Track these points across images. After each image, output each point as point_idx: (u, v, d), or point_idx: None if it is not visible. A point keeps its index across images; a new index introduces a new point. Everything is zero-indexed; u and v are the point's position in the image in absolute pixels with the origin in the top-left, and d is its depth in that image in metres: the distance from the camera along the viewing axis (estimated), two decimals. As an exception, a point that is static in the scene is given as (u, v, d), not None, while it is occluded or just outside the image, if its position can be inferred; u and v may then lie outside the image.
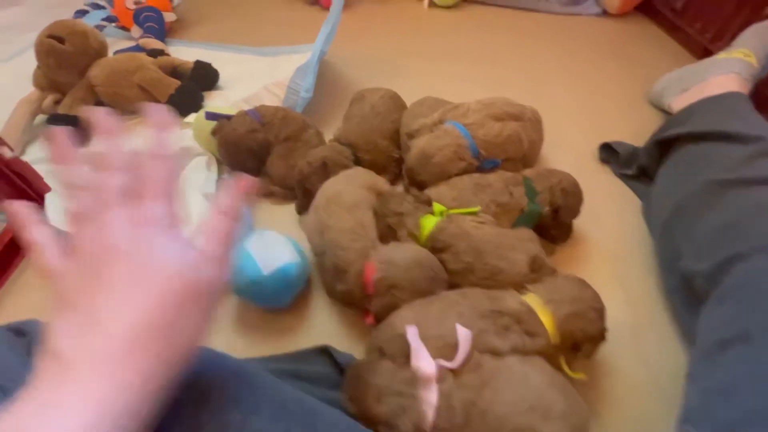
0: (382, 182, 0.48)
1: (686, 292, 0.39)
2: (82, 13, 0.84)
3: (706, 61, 0.64)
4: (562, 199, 0.44)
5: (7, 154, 0.47)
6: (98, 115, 0.23)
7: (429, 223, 0.41)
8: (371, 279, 0.37)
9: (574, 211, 0.46)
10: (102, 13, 0.86)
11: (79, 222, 0.20)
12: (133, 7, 0.84)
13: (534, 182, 0.45)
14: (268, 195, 0.55)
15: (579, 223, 0.49)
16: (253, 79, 0.75)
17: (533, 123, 0.52)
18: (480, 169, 0.48)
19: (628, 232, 0.51)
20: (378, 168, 0.54)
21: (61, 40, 0.60)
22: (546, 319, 0.34)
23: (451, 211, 0.42)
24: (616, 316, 0.38)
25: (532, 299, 0.35)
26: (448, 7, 1.01)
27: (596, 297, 0.36)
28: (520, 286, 0.37)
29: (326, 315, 0.45)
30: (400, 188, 0.55)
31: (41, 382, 0.16)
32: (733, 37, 0.74)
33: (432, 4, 1.02)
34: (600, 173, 0.59)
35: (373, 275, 0.37)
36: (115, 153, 0.22)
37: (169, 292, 0.18)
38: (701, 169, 0.44)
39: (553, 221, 0.46)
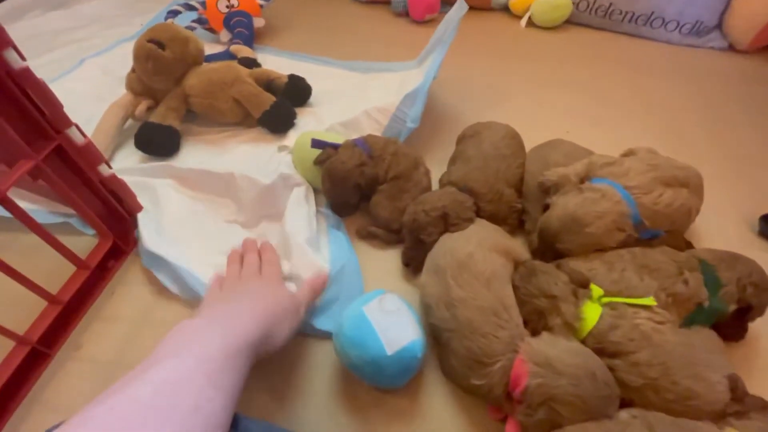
0: (518, 247, 0.40)
1: None
2: (174, 13, 0.82)
3: None
4: (754, 296, 0.35)
5: (106, 172, 0.43)
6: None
7: (593, 314, 0.33)
8: (522, 383, 0.30)
9: (764, 311, 0.37)
10: (193, 14, 0.84)
11: (228, 278, 0.40)
12: (225, 10, 0.82)
13: (717, 270, 0.36)
14: (370, 237, 0.49)
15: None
16: (344, 96, 0.69)
17: (697, 188, 0.43)
18: (638, 241, 0.40)
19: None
20: (498, 219, 0.46)
21: (161, 45, 0.57)
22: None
23: (618, 300, 0.34)
24: None
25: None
26: (549, 29, 0.93)
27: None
28: (718, 417, 0.29)
29: (443, 400, 0.38)
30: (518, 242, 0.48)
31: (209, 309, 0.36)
32: None
33: (530, 24, 0.94)
34: (762, 251, 0.49)
35: (526, 379, 0.30)
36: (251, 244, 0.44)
37: (273, 310, 0.33)
38: None
39: (733, 319, 0.37)
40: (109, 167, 0.44)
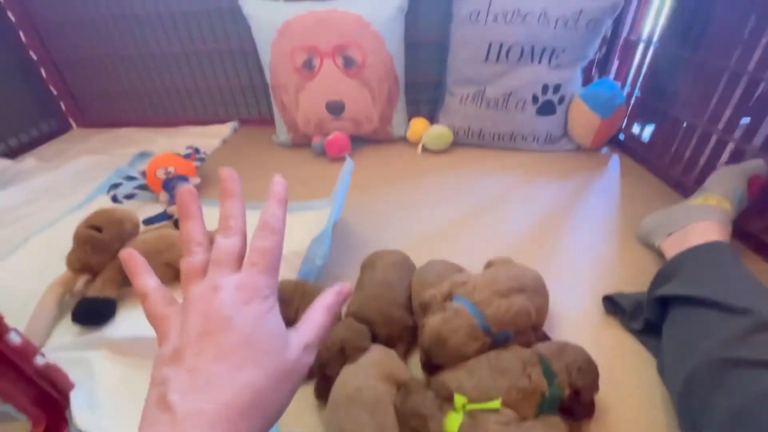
0: (401, 369, 0.49)
1: None
2: (116, 185, 0.94)
3: (686, 207, 0.71)
4: (580, 379, 0.45)
5: (40, 362, 0.49)
6: (223, 174, 0.26)
7: (453, 425, 0.41)
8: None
9: (594, 389, 0.46)
10: (135, 183, 0.97)
11: (191, 277, 0.24)
12: (164, 176, 0.95)
13: (550, 361, 0.46)
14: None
15: (601, 393, 0.49)
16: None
17: (536, 289, 0.55)
18: (494, 343, 0.50)
19: (651, 394, 0.51)
20: (394, 340, 0.55)
21: (99, 229, 0.67)
22: None
23: (473, 407, 0.42)
24: None
25: None
26: (440, 152, 1.14)
27: None
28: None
29: None
30: (415, 359, 0.56)
31: (154, 429, 0.19)
32: (702, 171, 0.83)
33: (425, 149, 1.15)
34: (610, 327, 0.60)
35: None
36: (235, 215, 0.25)
37: (275, 372, 0.21)
38: (700, 340, 0.46)
39: (575, 401, 0.45)
40: (43, 356, 0.50)
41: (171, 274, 0.70)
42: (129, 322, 0.65)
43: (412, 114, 1.23)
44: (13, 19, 1.32)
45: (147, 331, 0.60)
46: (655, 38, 0.96)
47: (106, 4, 1.26)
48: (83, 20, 1.30)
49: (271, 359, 0.21)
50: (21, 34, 1.35)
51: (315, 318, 0.25)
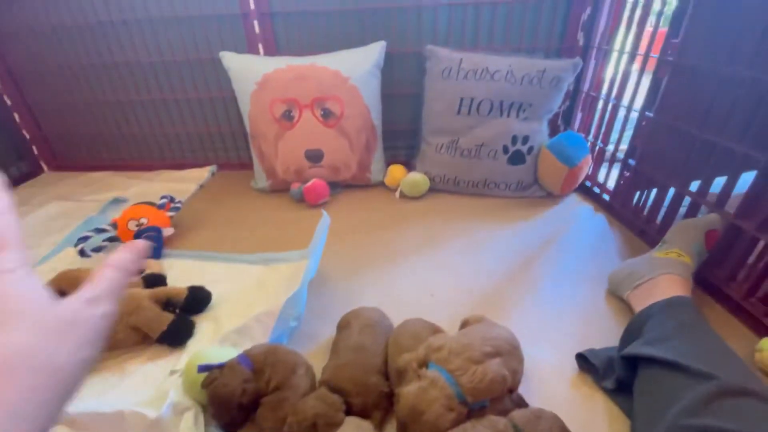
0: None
1: None
2: (84, 238, 0.91)
3: (649, 259, 0.74)
4: (556, 450, 0.45)
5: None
6: None
7: None
8: None
9: (569, 458, 0.46)
10: (104, 235, 0.94)
11: None
12: (135, 228, 0.93)
13: (525, 430, 0.46)
14: (258, 450, 0.53)
15: (577, 461, 0.48)
16: (242, 297, 0.79)
17: (511, 351, 0.55)
18: (470, 412, 0.49)
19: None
20: (369, 408, 0.54)
21: (63, 292, 0.64)
22: None
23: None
24: None
25: None
26: (417, 198, 1.16)
27: None
28: None
29: None
30: (392, 426, 0.55)
31: None
32: (665, 219, 0.87)
33: (403, 195, 1.17)
34: (584, 385, 0.61)
35: None
36: None
37: (36, 328, 0.20)
38: (669, 404, 0.47)
39: (551, 472, 0.45)
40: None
41: (136, 337, 0.67)
42: (89, 391, 0.62)
43: (389, 159, 1.26)
44: (-13, 64, 1.31)
45: (107, 402, 0.57)
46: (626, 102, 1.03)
47: (85, 54, 1.27)
48: (61, 67, 1.30)
49: (25, 316, 0.20)
50: (-5, 79, 1.34)
51: (99, 274, 0.24)
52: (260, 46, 1.20)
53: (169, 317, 0.68)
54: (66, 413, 0.58)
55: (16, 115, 1.40)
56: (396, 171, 1.20)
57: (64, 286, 0.65)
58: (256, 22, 1.16)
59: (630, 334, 0.60)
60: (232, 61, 1.10)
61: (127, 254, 0.26)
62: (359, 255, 0.92)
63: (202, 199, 1.23)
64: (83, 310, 0.22)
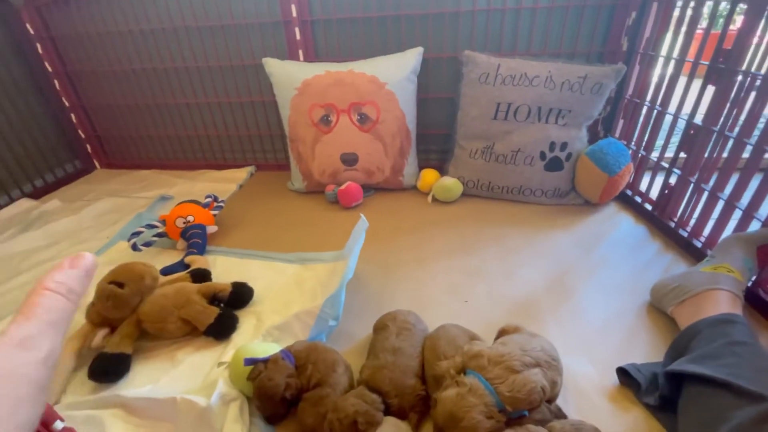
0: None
1: None
2: (136, 234, 0.97)
3: (696, 273, 0.71)
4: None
5: (59, 427, 0.49)
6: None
7: None
8: None
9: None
10: (154, 231, 1.00)
11: None
12: (182, 225, 0.98)
13: (565, 445, 0.46)
14: (299, 444, 0.56)
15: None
16: (281, 294, 0.82)
17: (550, 362, 0.55)
18: (508, 421, 0.50)
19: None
20: (406, 410, 0.55)
21: (120, 285, 0.69)
22: None
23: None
24: None
25: None
26: (449, 202, 1.17)
27: None
28: None
29: None
30: (428, 428, 0.56)
31: None
32: (712, 232, 0.84)
33: (435, 199, 1.18)
34: (623, 400, 0.60)
35: None
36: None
37: None
38: (716, 424, 0.46)
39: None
40: (62, 421, 0.50)
41: (186, 329, 0.71)
42: (145, 375, 0.66)
43: (422, 163, 1.27)
44: (50, 69, 1.42)
45: (160, 389, 0.61)
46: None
47: (137, 59, 1.36)
48: (115, 71, 1.39)
49: None
50: (56, 82, 1.44)
51: (30, 302, 0.19)
52: (300, 53, 1.23)
53: (215, 311, 0.72)
54: (121, 396, 0.63)
55: (72, 116, 1.51)
56: (429, 176, 1.20)
57: (121, 278, 0.69)
58: (297, 29, 1.20)
59: (676, 351, 0.59)
60: (275, 67, 1.15)
61: (69, 272, 0.21)
62: (391, 258, 0.93)
63: (242, 199, 1.28)
64: (14, 356, 0.17)
